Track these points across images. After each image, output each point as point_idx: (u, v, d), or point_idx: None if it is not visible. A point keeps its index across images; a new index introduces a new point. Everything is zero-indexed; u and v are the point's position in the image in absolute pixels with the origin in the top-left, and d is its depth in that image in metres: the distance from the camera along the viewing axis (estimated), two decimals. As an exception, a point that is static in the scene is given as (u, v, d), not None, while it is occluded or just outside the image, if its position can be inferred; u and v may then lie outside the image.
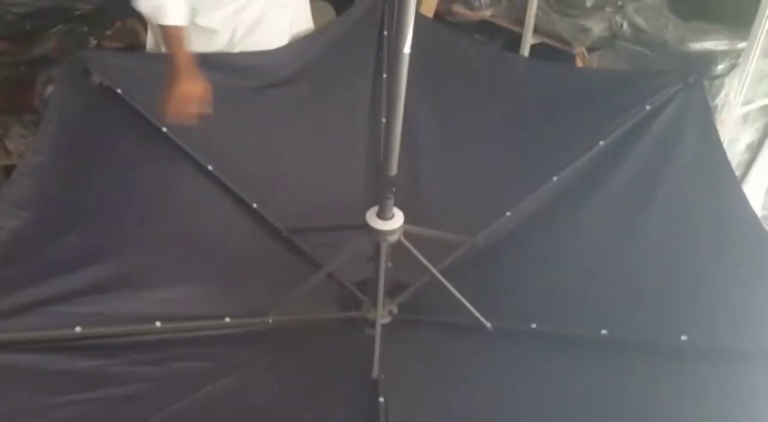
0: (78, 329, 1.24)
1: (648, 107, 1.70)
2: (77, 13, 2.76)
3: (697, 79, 1.74)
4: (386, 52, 1.97)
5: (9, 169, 2.65)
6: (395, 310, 1.59)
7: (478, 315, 1.45)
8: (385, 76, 1.95)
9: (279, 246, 1.68)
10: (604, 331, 1.34)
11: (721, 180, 1.62)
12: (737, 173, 2.50)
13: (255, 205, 1.68)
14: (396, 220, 1.42)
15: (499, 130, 1.87)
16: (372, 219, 1.42)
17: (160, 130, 1.65)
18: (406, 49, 1.17)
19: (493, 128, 1.88)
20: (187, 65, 1.55)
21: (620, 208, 1.62)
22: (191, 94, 1.53)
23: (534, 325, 1.42)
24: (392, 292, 1.60)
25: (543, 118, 1.83)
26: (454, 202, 1.79)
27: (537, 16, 2.74)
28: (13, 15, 2.77)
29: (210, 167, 1.66)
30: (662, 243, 1.53)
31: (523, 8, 2.77)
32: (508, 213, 1.70)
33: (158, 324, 1.33)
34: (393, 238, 1.43)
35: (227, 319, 1.43)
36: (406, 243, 1.45)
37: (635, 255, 1.52)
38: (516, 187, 1.74)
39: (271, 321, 1.47)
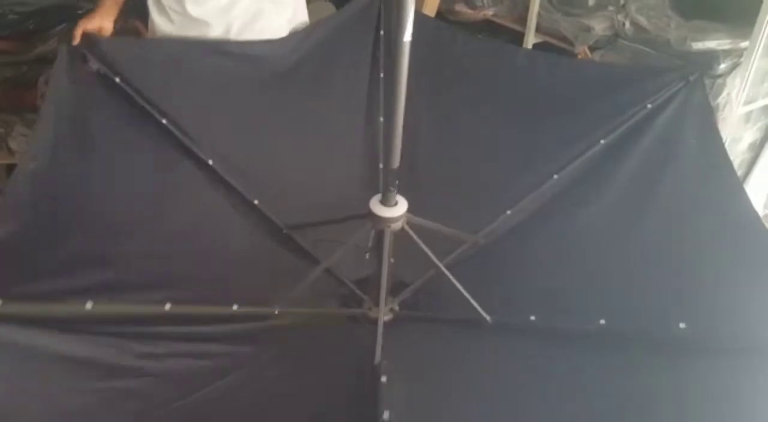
0: (89, 305, 1.22)
1: (649, 106, 1.70)
2: (80, 12, 2.77)
3: (698, 77, 1.74)
4: (383, 51, 1.97)
5: (12, 168, 2.66)
6: (396, 308, 1.59)
7: (477, 307, 1.45)
8: (382, 75, 1.94)
9: (280, 244, 1.68)
10: (602, 321, 1.35)
11: (722, 179, 1.62)
12: (739, 173, 2.50)
13: (256, 202, 1.68)
14: (400, 207, 1.41)
15: (500, 128, 1.86)
16: (375, 207, 1.41)
17: (160, 122, 1.62)
18: (407, 37, 1.17)
19: (492, 126, 1.87)
20: (108, 7, 1.81)
21: (621, 206, 1.62)
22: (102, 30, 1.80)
23: (533, 317, 1.42)
24: (393, 290, 1.60)
25: (543, 116, 1.83)
26: (453, 200, 1.78)
27: (539, 15, 2.75)
28: (15, 14, 2.78)
29: (210, 161, 1.65)
30: (663, 242, 1.52)
31: (526, 7, 2.78)
32: (508, 212, 1.69)
33: (168, 306, 1.32)
34: (396, 226, 1.41)
35: (235, 307, 1.42)
36: (410, 231, 1.44)
37: (635, 254, 1.52)
38: (516, 185, 1.73)
39: (276, 312, 1.47)
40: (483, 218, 1.70)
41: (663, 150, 1.65)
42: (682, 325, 1.28)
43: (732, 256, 1.46)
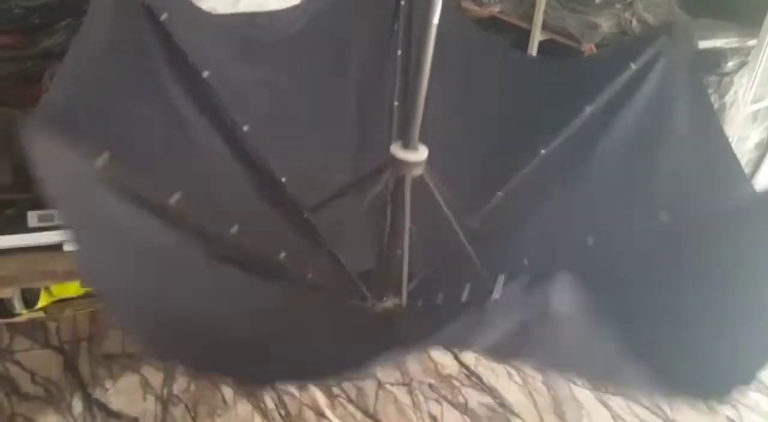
0: (175, 198, 1.16)
1: (633, 65, 1.61)
2: (85, 7, 2.77)
3: (682, 30, 1.65)
4: (402, 26, 1.90)
5: (14, 165, 2.66)
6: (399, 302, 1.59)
7: (477, 262, 1.48)
8: (399, 52, 1.90)
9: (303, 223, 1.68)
10: (590, 240, 1.36)
11: (711, 137, 1.57)
12: (745, 171, 2.48)
13: (284, 179, 1.65)
14: (422, 152, 1.38)
15: (484, 112, 1.84)
16: (397, 150, 1.37)
17: (200, 74, 1.53)
18: (435, 19, 1.16)
19: (474, 110, 1.85)
20: None
21: (611, 169, 1.61)
22: None
23: (526, 261, 1.46)
24: (396, 285, 1.59)
25: (525, 95, 1.79)
26: (449, 184, 1.78)
27: (545, 13, 2.73)
28: (20, 9, 2.77)
29: (246, 128, 1.59)
30: (652, 200, 1.52)
31: (532, 4, 2.77)
32: (499, 194, 1.69)
33: (235, 229, 1.30)
34: (417, 172, 1.39)
35: (283, 254, 1.44)
36: (429, 182, 1.41)
37: (624, 211, 1.53)
38: (505, 165, 1.72)
39: (309, 275, 1.51)
40: (473, 203, 1.69)
41: (651, 111, 1.61)
42: (663, 218, 1.28)
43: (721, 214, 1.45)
